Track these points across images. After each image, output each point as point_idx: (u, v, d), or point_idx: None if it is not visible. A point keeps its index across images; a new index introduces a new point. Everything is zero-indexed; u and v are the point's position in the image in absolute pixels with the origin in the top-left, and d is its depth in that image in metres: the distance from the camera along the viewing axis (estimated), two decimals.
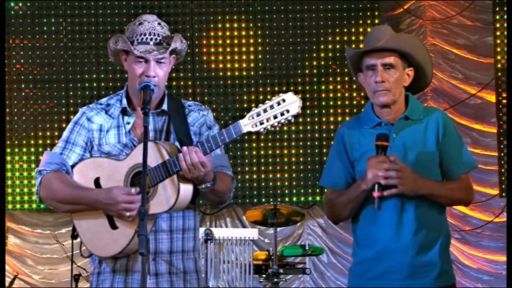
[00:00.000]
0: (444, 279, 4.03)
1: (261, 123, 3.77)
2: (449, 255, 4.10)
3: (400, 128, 4.02)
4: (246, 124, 3.78)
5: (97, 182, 3.97)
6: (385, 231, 3.99)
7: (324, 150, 8.59)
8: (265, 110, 3.77)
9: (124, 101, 4.13)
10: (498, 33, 8.83)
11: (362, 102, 8.39)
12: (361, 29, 8.73)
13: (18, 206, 8.75)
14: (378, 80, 4.00)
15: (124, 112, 4.11)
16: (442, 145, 4.04)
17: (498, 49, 8.82)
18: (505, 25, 8.80)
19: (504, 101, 8.76)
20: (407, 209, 3.98)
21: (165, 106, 4.10)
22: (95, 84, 8.80)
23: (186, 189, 3.87)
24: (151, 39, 3.99)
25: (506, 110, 8.74)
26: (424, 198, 3.98)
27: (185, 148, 3.77)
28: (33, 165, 8.72)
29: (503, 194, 8.71)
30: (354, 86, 8.45)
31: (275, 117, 3.76)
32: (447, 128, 4.06)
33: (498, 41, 8.82)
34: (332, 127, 8.61)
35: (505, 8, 8.82)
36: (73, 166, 4.05)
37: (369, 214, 4.03)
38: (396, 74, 4.02)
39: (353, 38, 8.76)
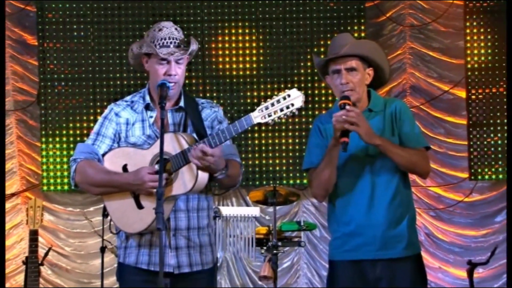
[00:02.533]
0: (411, 249, 4.08)
1: (269, 115, 3.80)
2: (415, 228, 4.15)
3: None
4: (256, 116, 3.80)
5: (125, 168, 4.00)
6: (359, 210, 4.04)
7: None
8: (272, 104, 3.80)
9: (147, 97, 4.14)
10: (468, 38, 8.83)
11: None
12: None
13: (52, 187, 8.77)
14: (343, 82, 4.05)
15: (147, 107, 4.14)
16: (398, 127, 4.08)
17: (468, 52, 8.81)
18: (474, 30, 8.82)
19: (473, 96, 8.79)
20: (377, 190, 4.03)
21: (182, 103, 4.11)
22: (118, 82, 8.80)
23: (203, 174, 3.90)
24: (171, 43, 4.02)
25: (474, 105, 8.78)
26: (392, 177, 4.03)
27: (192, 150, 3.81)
28: (64, 152, 8.72)
29: (472, 178, 8.75)
30: None
31: (281, 110, 3.79)
32: (402, 112, 4.10)
33: (468, 45, 8.82)
34: None
35: (474, 16, 8.84)
36: (103, 155, 4.07)
37: (344, 197, 4.09)
38: (358, 75, 4.07)
39: None
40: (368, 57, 4.12)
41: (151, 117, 4.11)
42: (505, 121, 8.67)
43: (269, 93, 8.50)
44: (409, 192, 4.16)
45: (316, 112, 8.66)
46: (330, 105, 8.71)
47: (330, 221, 4.21)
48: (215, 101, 4.44)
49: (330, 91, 8.72)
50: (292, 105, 3.78)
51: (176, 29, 4.07)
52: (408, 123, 4.10)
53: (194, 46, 4.07)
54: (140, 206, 3.94)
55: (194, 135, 3.99)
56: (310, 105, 8.76)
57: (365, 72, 4.12)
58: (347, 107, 3.93)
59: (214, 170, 3.88)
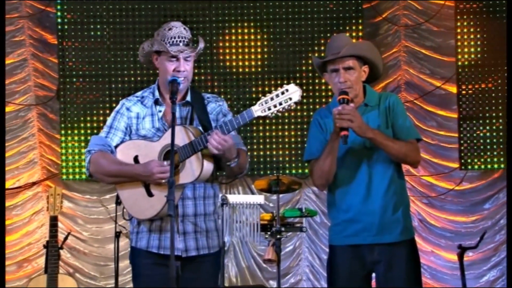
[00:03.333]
0: (406, 234, 4.11)
1: (269, 109, 3.79)
2: (409, 214, 4.17)
3: (361, 113, 4.05)
4: (257, 110, 3.80)
5: (136, 159, 4.00)
6: (357, 198, 4.07)
7: None
8: (272, 98, 3.80)
9: (157, 93, 4.15)
10: (459, 37, 8.80)
11: None
12: (347, 34, 8.66)
13: (71, 176, 8.76)
14: (341, 81, 4.07)
15: (156, 102, 4.13)
16: (391, 120, 4.10)
17: (459, 50, 8.79)
18: (465, 30, 8.79)
19: (464, 92, 8.77)
20: (374, 180, 4.06)
21: (188, 98, 4.11)
22: (132, 79, 8.78)
23: (208, 164, 3.90)
24: (180, 41, 4.01)
25: (465, 100, 8.75)
26: (387, 168, 4.05)
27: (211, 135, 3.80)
28: (82, 144, 8.71)
29: (462, 167, 8.73)
30: None
31: (280, 104, 3.78)
32: (395, 106, 4.12)
33: (459, 43, 8.79)
34: None
35: (465, 17, 8.81)
36: (116, 147, 4.07)
37: (343, 187, 4.10)
38: (355, 74, 4.09)
39: None
40: (365, 56, 4.11)
41: (160, 111, 4.11)
42: (494, 114, 8.66)
43: (272, 88, 8.37)
44: (403, 182, 4.18)
45: (317, 106, 8.64)
46: (329, 99, 8.68)
47: (330, 209, 4.23)
48: (222, 96, 4.43)
49: (329, 87, 8.67)
50: (290, 99, 3.78)
51: (184, 28, 4.07)
52: (400, 116, 4.12)
53: (201, 44, 4.07)
54: (150, 194, 3.95)
55: (200, 128, 3.97)
56: (311, 100, 8.75)
57: (361, 70, 4.14)
58: (339, 107, 3.93)
59: (227, 158, 3.86)
